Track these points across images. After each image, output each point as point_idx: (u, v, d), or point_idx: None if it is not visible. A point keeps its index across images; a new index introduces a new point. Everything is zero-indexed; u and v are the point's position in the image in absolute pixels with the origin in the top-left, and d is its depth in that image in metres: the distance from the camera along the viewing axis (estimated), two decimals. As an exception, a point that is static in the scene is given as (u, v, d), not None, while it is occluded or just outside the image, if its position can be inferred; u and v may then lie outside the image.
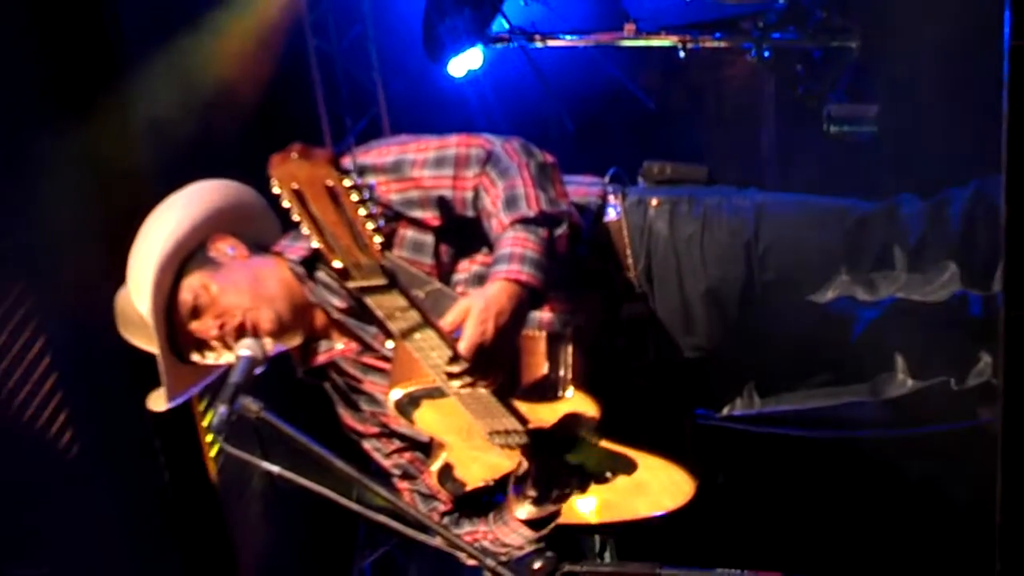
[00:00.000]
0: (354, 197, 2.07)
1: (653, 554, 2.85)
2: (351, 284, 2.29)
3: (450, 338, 2.48)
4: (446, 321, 2.52)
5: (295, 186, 2.07)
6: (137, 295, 2.87)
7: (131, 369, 3.10)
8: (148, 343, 2.90)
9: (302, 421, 2.50)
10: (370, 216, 2.11)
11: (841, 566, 4.38)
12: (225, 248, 2.94)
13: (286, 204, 2.12)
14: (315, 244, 2.20)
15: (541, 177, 2.79)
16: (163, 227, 2.89)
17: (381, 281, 2.28)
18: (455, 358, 2.48)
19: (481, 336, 2.52)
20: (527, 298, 2.61)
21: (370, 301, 2.35)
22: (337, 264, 2.24)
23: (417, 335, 2.44)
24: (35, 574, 4.15)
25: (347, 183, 2.05)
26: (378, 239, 2.16)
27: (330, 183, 2.06)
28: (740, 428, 3.38)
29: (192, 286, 2.88)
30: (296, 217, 2.14)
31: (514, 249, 2.64)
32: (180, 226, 2.89)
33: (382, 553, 6.21)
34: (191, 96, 4.94)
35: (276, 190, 2.09)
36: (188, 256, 2.91)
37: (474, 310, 2.54)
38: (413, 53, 6.05)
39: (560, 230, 2.74)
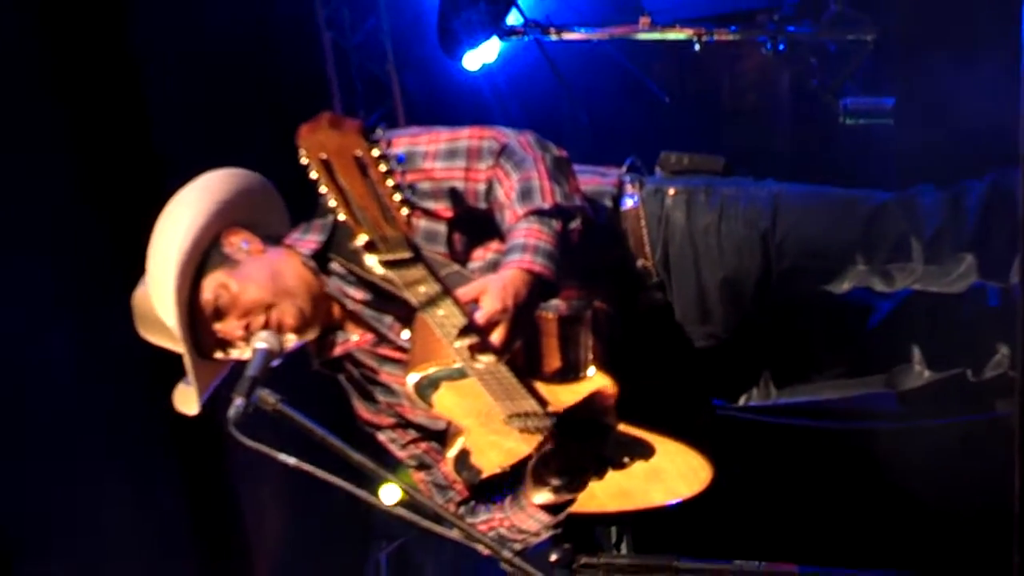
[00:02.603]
0: (382, 167, 2.07)
1: (670, 546, 2.86)
2: (378, 257, 2.28)
3: (467, 309, 2.47)
4: (462, 291, 2.50)
5: (323, 156, 2.06)
6: (160, 304, 2.85)
7: (145, 363, 3.10)
8: (168, 342, 2.90)
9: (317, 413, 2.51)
10: (397, 187, 2.11)
11: (856, 557, 4.37)
12: (239, 243, 2.93)
13: (313, 175, 2.11)
14: (341, 217, 2.19)
15: (556, 171, 2.79)
16: (176, 228, 2.86)
17: (407, 254, 2.27)
18: (468, 327, 2.47)
19: (499, 308, 2.50)
20: (539, 288, 2.61)
21: (395, 275, 2.35)
22: (363, 237, 2.23)
23: (439, 311, 2.43)
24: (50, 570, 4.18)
25: (375, 152, 2.05)
26: (405, 210, 2.15)
27: (359, 153, 2.05)
28: (756, 419, 3.38)
29: (212, 287, 2.86)
30: (323, 189, 2.13)
31: (527, 240, 2.64)
32: (193, 226, 2.86)
33: (398, 545, 6.23)
34: (204, 90, 4.96)
35: (304, 160, 2.08)
36: (204, 255, 2.89)
37: (492, 286, 2.53)
38: (428, 46, 6.05)
39: (573, 224, 2.74)
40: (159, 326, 2.89)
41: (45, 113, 4.31)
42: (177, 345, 2.87)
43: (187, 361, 2.86)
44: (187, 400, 2.93)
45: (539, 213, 2.70)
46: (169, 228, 2.89)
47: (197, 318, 2.87)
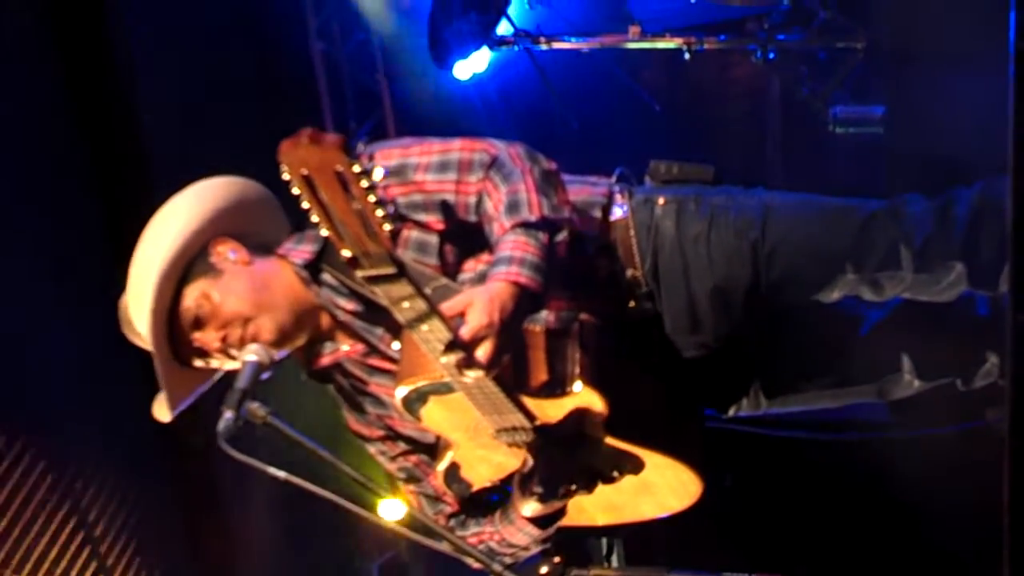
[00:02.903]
0: (364, 183, 2.06)
1: (660, 557, 2.86)
2: (360, 273, 2.28)
3: (453, 324, 2.47)
4: (447, 306, 2.50)
5: (305, 172, 2.06)
6: (136, 310, 2.86)
7: (135, 368, 3.09)
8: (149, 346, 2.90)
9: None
10: (379, 203, 2.10)
11: (847, 569, 4.37)
12: (226, 252, 2.92)
13: (295, 191, 2.10)
14: (324, 232, 2.18)
15: (544, 183, 2.79)
16: (163, 236, 2.86)
17: (390, 270, 2.26)
18: (454, 343, 2.47)
19: (485, 322, 2.49)
20: (525, 300, 2.60)
21: (378, 291, 2.34)
22: (346, 253, 2.23)
23: (424, 326, 2.42)
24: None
25: (357, 168, 2.04)
26: (387, 226, 2.15)
27: (340, 168, 2.04)
28: (746, 430, 3.37)
29: (194, 295, 2.85)
30: (305, 204, 2.13)
31: (514, 252, 2.64)
32: (180, 235, 2.86)
33: (389, 557, 6.22)
34: (196, 100, 4.96)
35: (286, 176, 2.08)
36: (190, 263, 2.89)
37: (478, 300, 2.53)
38: (418, 56, 6.06)
39: (560, 236, 2.74)
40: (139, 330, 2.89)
41: (45, 116, 4.32)
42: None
43: (158, 367, 2.85)
44: (163, 409, 2.93)
45: (526, 226, 2.69)
46: (156, 234, 2.88)
47: (176, 326, 2.87)
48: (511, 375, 2.64)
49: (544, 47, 6.01)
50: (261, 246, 2.98)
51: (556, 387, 2.69)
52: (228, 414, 2.49)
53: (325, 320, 2.98)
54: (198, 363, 2.91)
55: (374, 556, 6.14)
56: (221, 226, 2.94)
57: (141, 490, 4.66)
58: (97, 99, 4.45)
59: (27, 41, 4.26)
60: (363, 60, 6.14)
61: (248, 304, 2.86)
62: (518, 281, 2.59)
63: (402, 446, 3.13)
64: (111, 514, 4.50)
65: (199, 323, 2.86)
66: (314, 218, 2.16)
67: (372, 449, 3.16)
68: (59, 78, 4.37)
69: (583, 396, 2.70)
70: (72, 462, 4.33)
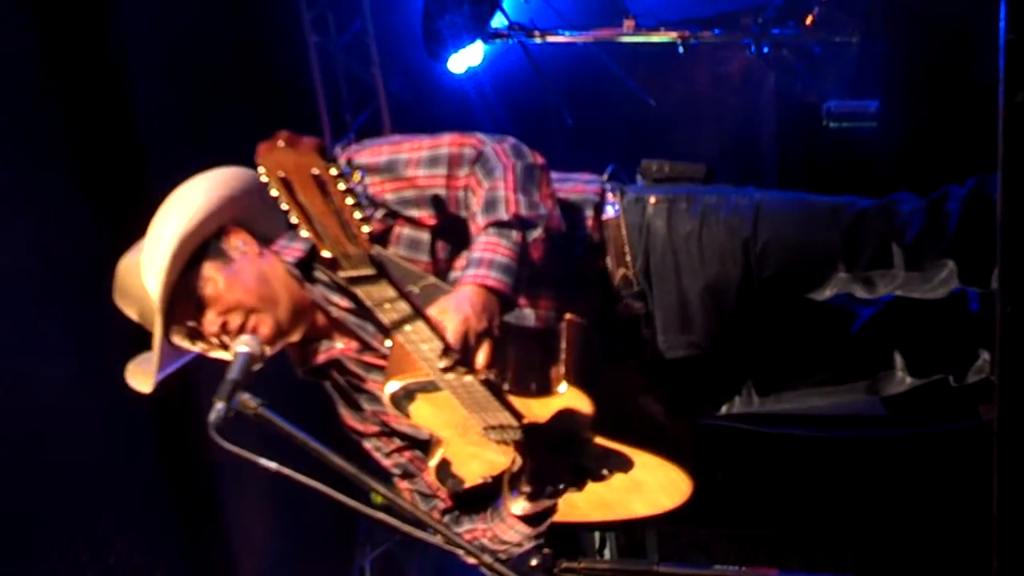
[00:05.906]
0: (341, 186, 2.07)
1: (652, 551, 2.87)
2: (341, 274, 2.29)
3: (439, 329, 2.48)
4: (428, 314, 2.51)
5: (282, 174, 2.07)
6: (149, 275, 2.84)
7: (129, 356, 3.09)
8: (138, 316, 2.90)
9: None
10: (357, 205, 2.11)
11: (838, 563, 4.38)
12: (238, 242, 2.93)
13: (274, 193, 2.11)
14: (304, 233, 2.19)
15: (526, 180, 2.78)
16: (184, 210, 2.86)
17: (370, 271, 2.28)
18: (447, 350, 2.48)
19: (464, 327, 2.51)
20: (496, 302, 2.60)
21: (360, 292, 2.35)
22: (326, 254, 2.24)
23: (408, 327, 2.43)
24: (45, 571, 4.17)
25: (333, 171, 2.04)
26: (366, 228, 2.15)
27: (316, 172, 2.05)
28: (739, 427, 3.38)
29: (202, 276, 2.86)
30: (284, 206, 2.14)
31: (483, 254, 2.64)
32: (200, 211, 2.86)
33: (383, 550, 6.23)
34: (191, 93, 4.96)
35: (264, 178, 2.08)
36: (204, 242, 2.90)
37: (450, 307, 2.54)
38: (413, 49, 6.06)
39: (535, 234, 2.73)
40: (135, 298, 2.88)
41: (39, 115, 4.32)
42: (147, 321, 2.86)
43: (157, 333, 2.85)
44: (139, 377, 2.92)
45: (499, 225, 2.69)
46: (176, 208, 2.88)
47: (177, 301, 2.86)
48: (496, 375, 2.64)
49: (538, 40, 6.01)
50: (267, 240, 2.99)
51: (542, 388, 2.69)
52: (219, 405, 2.49)
53: (320, 318, 2.98)
54: (183, 342, 2.90)
55: (367, 550, 6.15)
56: (236, 211, 2.94)
57: (134, 486, 4.66)
58: (90, 93, 4.45)
59: (20, 39, 4.25)
60: (358, 53, 6.15)
61: (252, 295, 2.87)
62: (485, 284, 2.59)
63: (397, 442, 3.13)
64: (102, 515, 4.51)
65: (201, 304, 2.86)
66: (294, 219, 2.16)
67: (368, 445, 3.17)
68: (53, 75, 4.36)
69: (569, 396, 2.69)
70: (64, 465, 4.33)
